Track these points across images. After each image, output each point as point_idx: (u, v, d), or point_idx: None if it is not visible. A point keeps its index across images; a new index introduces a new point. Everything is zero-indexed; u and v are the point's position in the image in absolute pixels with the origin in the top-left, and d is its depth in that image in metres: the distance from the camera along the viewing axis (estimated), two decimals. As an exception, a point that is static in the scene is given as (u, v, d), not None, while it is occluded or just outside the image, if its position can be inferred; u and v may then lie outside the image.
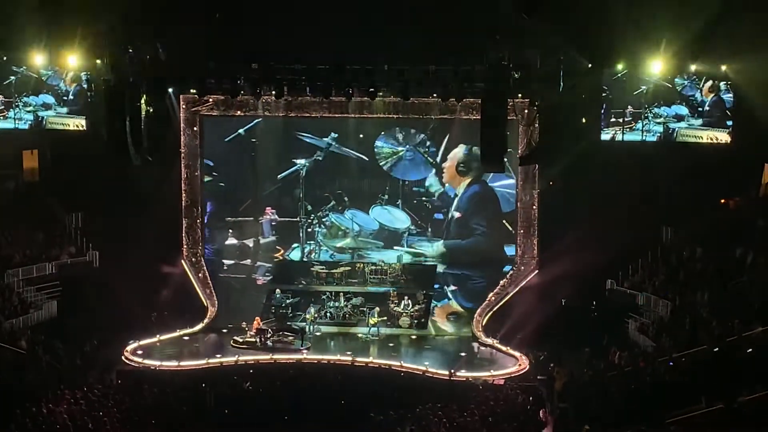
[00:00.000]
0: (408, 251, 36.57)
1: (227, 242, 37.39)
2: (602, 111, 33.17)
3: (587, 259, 32.05)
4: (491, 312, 34.34)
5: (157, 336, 32.50)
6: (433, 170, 36.41)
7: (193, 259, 36.35)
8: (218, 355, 30.90)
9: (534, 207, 34.80)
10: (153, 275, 34.56)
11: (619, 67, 32.19)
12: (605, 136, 33.19)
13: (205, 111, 35.71)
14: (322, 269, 35.98)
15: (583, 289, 33.45)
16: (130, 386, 28.35)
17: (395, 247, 36.69)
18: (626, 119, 33.06)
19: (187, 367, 29.96)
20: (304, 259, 36.99)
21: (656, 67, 31.76)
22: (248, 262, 37.44)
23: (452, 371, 29.45)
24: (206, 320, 34.74)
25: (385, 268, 35.78)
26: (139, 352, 31.04)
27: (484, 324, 34.01)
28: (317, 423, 25.69)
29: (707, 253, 31.17)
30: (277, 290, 35.05)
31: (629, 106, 33.04)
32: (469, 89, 30.36)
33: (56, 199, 35.88)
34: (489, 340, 33.01)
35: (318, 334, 33.56)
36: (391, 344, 33.08)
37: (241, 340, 32.15)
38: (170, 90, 33.68)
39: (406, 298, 34.46)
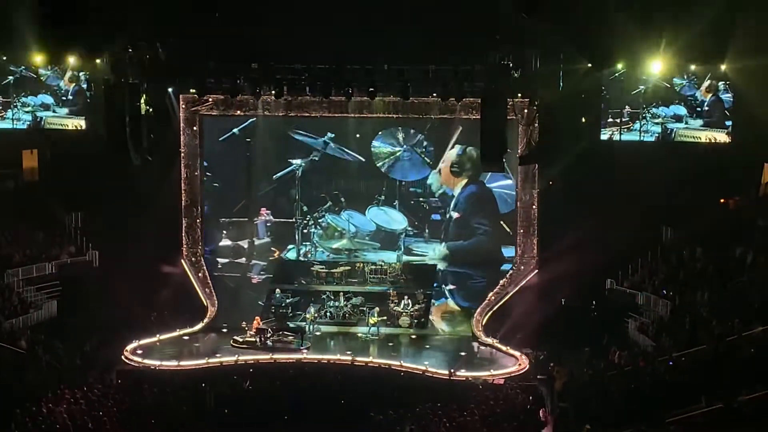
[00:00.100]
0: (406, 256, 36.48)
1: (221, 243, 37.27)
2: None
3: (587, 258, 32.06)
4: (491, 311, 34.35)
5: (157, 336, 32.50)
6: (432, 170, 36.34)
7: (193, 259, 36.36)
8: (218, 355, 30.93)
9: (534, 207, 34.83)
10: (153, 275, 34.56)
11: (618, 66, 32.15)
12: (602, 136, 33.17)
13: (204, 111, 35.69)
14: (322, 269, 35.95)
15: (582, 289, 33.43)
16: (130, 386, 28.38)
17: (393, 251, 36.61)
18: (624, 119, 32.97)
19: (186, 366, 29.96)
20: (302, 259, 36.97)
21: (655, 66, 31.70)
22: (243, 260, 37.34)
23: (452, 371, 29.46)
24: (206, 320, 34.73)
25: (385, 268, 35.75)
26: (139, 351, 31.05)
27: (484, 323, 34.02)
28: (317, 423, 25.70)
29: (707, 253, 31.17)
30: (277, 290, 35.04)
31: (627, 106, 32.94)
32: (469, 89, 30.37)
33: (56, 199, 35.83)
34: (489, 340, 33.03)
35: (318, 333, 33.56)
36: (390, 344, 33.08)
37: (240, 340, 32.14)
38: (170, 90, 33.75)
39: (406, 297, 34.44)
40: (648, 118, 32.84)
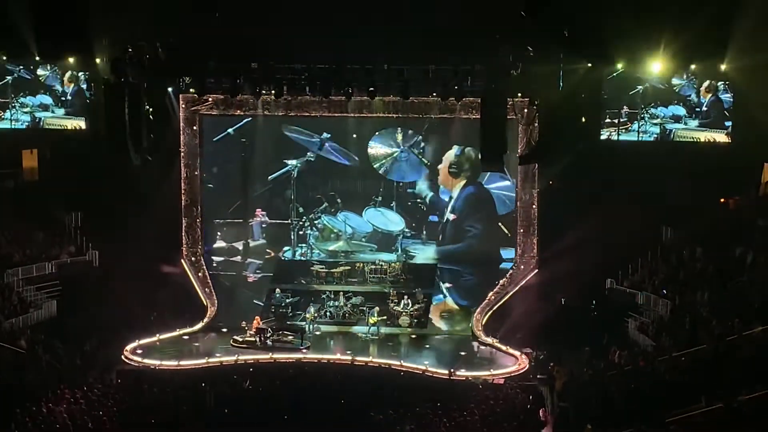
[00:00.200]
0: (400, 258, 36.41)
1: (216, 245, 37.13)
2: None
3: (587, 258, 32.10)
4: (491, 311, 34.35)
5: (157, 335, 32.49)
6: (425, 174, 36.18)
7: (193, 259, 36.37)
8: (218, 354, 30.94)
9: (534, 206, 34.84)
10: (153, 275, 34.55)
11: (618, 66, 32.14)
12: (601, 137, 33.14)
13: (204, 110, 35.70)
14: (322, 268, 35.93)
15: (582, 289, 33.47)
16: (130, 386, 28.37)
17: (390, 252, 36.53)
18: (622, 120, 32.93)
19: (186, 366, 29.97)
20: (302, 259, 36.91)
21: (655, 66, 31.68)
22: (238, 259, 37.25)
23: (452, 370, 29.46)
24: (206, 319, 34.73)
25: (385, 268, 35.72)
26: (139, 351, 31.05)
27: (483, 323, 34.02)
28: (317, 422, 25.65)
29: (707, 253, 31.18)
30: (277, 289, 35.04)
31: (625, 107, 32.94)
32: (468, 89, 30.37)
33: (56, 199, 35.82)
34: (489, 340, 33.03)
35: (318, 333, 33.56)
36: (390, 343, 33.09)
37: (240, 340, 32.14)
38: (170, 89, 33.75)
39: (405, 297, 34.44)
40: (646, 119, 32.82)
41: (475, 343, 33.21)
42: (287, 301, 34.62)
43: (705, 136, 32.51)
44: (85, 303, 32.86)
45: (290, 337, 32.21)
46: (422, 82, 30.77)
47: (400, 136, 36.16)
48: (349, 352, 31.23)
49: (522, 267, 35.05)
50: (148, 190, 34.27)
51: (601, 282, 33.81)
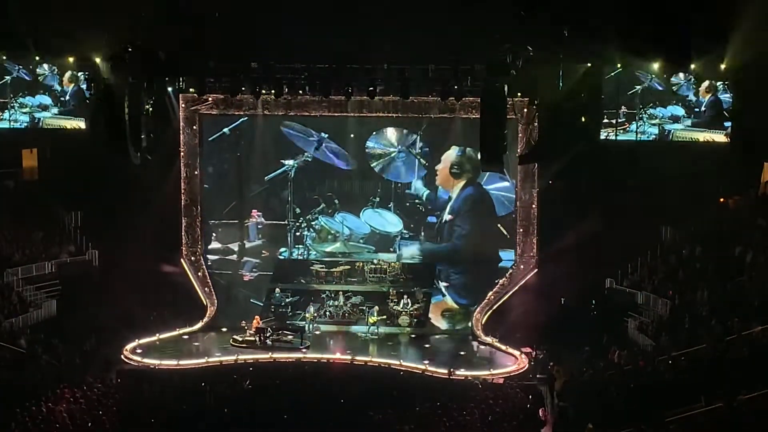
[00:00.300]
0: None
1: (211, 246, 36.95)
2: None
3: (587, 258, 32.08)
4: (491, 311, 34.36)
5: (157, 335, 32.50)
6: (420, 174, 36.00)
7: (193, 258, 36.34)
8: (217, 354, 30.94)
9: (533, 206, 34.81)
10: (153, 274, 34.54)
11: (618, 65, 32.07)
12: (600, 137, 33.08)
13: (204, 110, 35.67)
14: (322, 268, 35.92)
15: (582, 289, 33.45)
16: (130, 385, 28.42)
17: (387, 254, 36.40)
18: (620, 120, 32.79)
19: (186, 366, 29.99)
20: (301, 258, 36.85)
21: (654, 66, 31.59)
22: (234, 257, 37.08)
23: (451, 370, 29.47)
24: (206, 319, 34.73)
25: (385, 267, 35.72)
26: (139, 351, 31.08)
27: (483, 323, 34.03)
28: (317, 422, 25.66)
29: (707, 252, 31.18)
30: (277, 289, 35.06)
31: (623, 107, 32.77)
32: (468, 88, 30.35)
33: (56, 199, 35.82)
34: (488, 339, 33.04)
35: (317, 333, 33.58)
36: (390, 343, 33.11)
37: (240, 339, 32.15)
38: (170, 89, 33.72)
39: (405, 296, 34.47)
40: (645, 119, 32.68)
41: (475, 343, 33.25)
42: (287, 300, 34.64)
43: (704, 136, 32.41)
44: (85, 303, 32.89)
45: (290, 337, 32.24)
46: (422, 82, 30.74)
47: (396, 136, 35.98)
48: (348, 351, 31.26)
49: (522, 267, 35.04)
50: (148, 190, 34.23)
51: (601, 282, 33.82)
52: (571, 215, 32.95)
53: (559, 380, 28.46)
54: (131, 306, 32.72)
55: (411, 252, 36.33)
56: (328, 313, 34.48)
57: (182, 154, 35.81)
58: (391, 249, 36.39)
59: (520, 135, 33.54)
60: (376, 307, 33.86)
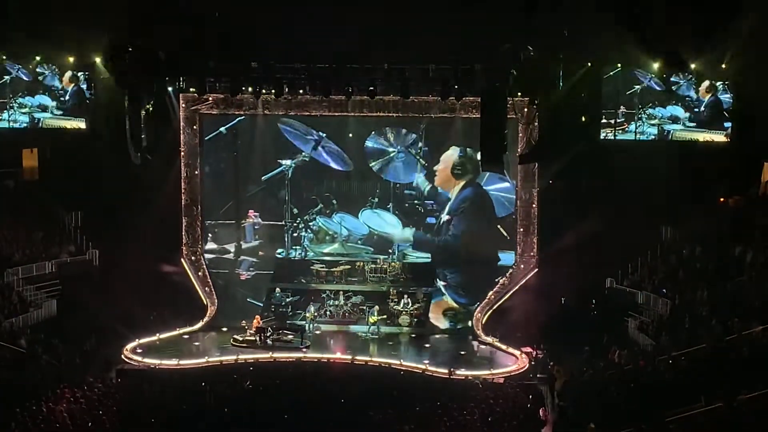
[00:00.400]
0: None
1: (207, 246, 36.81)
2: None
3: (587, 258, 32.08)
4: (491, 310, 34.36)
5: (157, 335, 32.51)
6: (422, 173, 35.89)
7: (193, 258, 36.32)
8: (218, 354, 30.95)
9: (534, 206, 34.80)
10: (153, 274, 34.54)
11: (618, 65, 32.05)
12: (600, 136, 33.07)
13: (204, 109, 35.62)
14: (322, 268, 35.91)
15: (582, 288, 33.46)
16: (130, 385, 28.40)
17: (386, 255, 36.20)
18: (618, 120, 32.70)
19: (186, 365, 30.01)
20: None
21: (653, 65, 31.53)
22: (230, 256, 37.00)
23: (451, 370, 29.47)
24: (206, 319, 34.74)
25: (385, 267, 35.72)
26: (139, 350, 31.09)
27: (483, 322, 34.04)
28: (317, 422, 25.64)
29: (707, 252, 31.18)
30: (277, 289, 35.06)
31: (622, 107, 32.68)
32: (468, 88, 30.35)
33: (56, 199, 35.81)
34: (489, 339, 33.05)
35: (318, 332, 33.59)
36: (390, 343, 33.12)
37: (240, 339, 32.16)
38: (170, 89, 33.74)
39: (405, 296, 34.49)
40: (644, 119, 32.60)
41: (475, 343, 33.28)
42: (287, 300, 34.64)
43: (704, 137, 32.38)
44: (85, 303, 32.84)
45: (290, 337, 32.25)
46: (422, 81, 30.75)
47: (394, 136, 35.87)
48: (349, 351, 31.26)
49: (522, 267, 35.04)
50: (148, 190, 34.25)
51: (601, 281, 33.82)
52: (571, 215, 32.95)
53: (559, 380, 28.47)
54: (131, 306, 32.74)
55: (406, 233, 36.01)
56: (328, 312, 34.49)
57: (182, 154, 35.79)
58: (390, 250, 36.30)
59: (520, 135, 33.54)
60: (377, 307, 33.88)
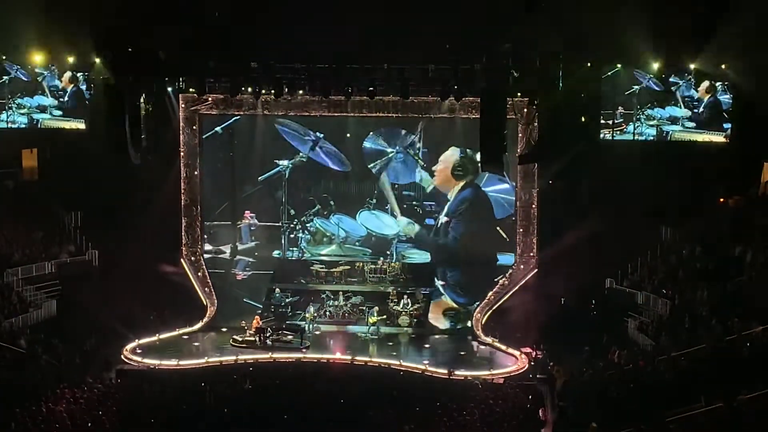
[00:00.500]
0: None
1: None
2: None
3: (587, 258, 32.06)
4: (490, 311, 34.36)
5: (157, 335, 32.50)
6: (423, 173, 35.84)
7: (192, 258, 36.31)
8: (217, 354, 30.95)
9: (533, 206, 34.79)
10: (153, 274, 34.52)
11: (618, 65, 32.01)
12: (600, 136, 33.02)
13: (204, 110, 35.61)
14: (322, 268, 35.90)
15: (582, 289, 33.45)
16: (130, 385, 28.40)
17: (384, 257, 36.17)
18: (617, 120, 32.59)
19: (186, 366, 30.01)
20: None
21: (653, 65, 31.47)
22: (227, 255, 36.91)
23: (451, 370, 29.46)
24: (206, 319, 34.73)
25: (385, 267, 35.71)
26: (139, 351, 31.08)
27: (483, 323, 34.03)
28: (317, 422, 25.65)
29: (706, 252, 31.17)
30: (277, 289, 35.04)
31: (620, 107, 32.52)
32: (468, 88, 30.34)
33: (56, 199, 35.80)
34: (488, 339, 33.05)
35: (317, 333, 33.57)
36: (390, 343, 33.11)
37: (240, 339, 32.15)
38: (170, 89, 33.73)
39: (405, 297, 34.48)
40: (642, 120, 32.47)
41: (475, 343, 33.26)
42: (287, 300, 34.63)
43: (703, 138, 32.31)
44: (85, 303, 32.84)
45: (290, 337, 32.24)
46: (422, 81, 30.74)
47: (393, 136, 35.75)
48: (348, 351, 31.26)
49: (522, 267, 35.03)
50: (148, 190, 34.25)
51: (601, 282, 33.81)
52: (570, 215, 32.95)
53: (559, 380, 28.49)
54: (131, 306, 32.75)
55: (411, 228, 35.89)
56: (328, 313, 34.48)
57: (182, 154, 35.79)
58: (388, 252, 36.25)
59: (520, 135, 33.50)
60: (376, 307, 33.87)
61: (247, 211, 36.78)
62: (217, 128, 35.92)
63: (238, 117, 35.68)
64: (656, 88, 32.34)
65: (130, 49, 29.12)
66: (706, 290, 29.03)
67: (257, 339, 32.00)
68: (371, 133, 35.86)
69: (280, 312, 34.29)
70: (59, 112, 34.78)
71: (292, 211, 36.45)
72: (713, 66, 31.59)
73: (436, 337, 34.22)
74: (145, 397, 27.23)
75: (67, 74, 34.38)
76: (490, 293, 34.74)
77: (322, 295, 34.94)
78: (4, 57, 34.49)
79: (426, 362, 30.29)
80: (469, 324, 34.36)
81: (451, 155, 35.54)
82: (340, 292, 34.86)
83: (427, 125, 35.20)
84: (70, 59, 33.70)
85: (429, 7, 30.07)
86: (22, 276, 33.22)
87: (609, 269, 33.60)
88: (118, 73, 28.53)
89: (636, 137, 32.53)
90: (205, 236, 36.74)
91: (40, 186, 36.29)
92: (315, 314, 33.89)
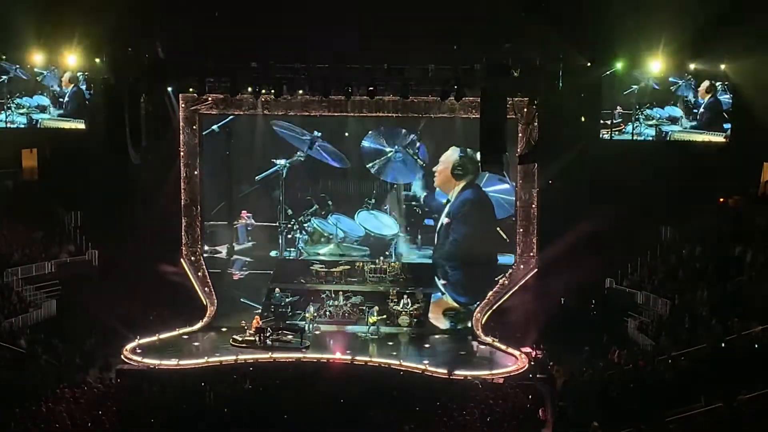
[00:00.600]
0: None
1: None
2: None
3: (587, 258, 32.04)
4: (490, 310, 34.36)
5: (157, 335, 32.49)
6: (420, 175, 35.76)
7: (192, 258, 36.30)
8: (217, 354, 30.95)
9: (533, 206, 34.79)
10: (153, 274, 34.51)
11: (618, 65, 31.95)
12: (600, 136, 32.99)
13: (204, 110, 35.58)
14: (322, 268, 35.89)
15: (582, 288, 33.44)
16: (130, 385, 28.39)
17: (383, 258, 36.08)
18: (615, 120, 32.49)
19: (186, 366, 29.99)
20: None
21: (654, 65, 31.38)
22: (223, 255, 36.85)
23: (451, 370, 29.45)
24: (205, 319, 34.73)
25: (385, 267, 35.69)
26: (139, 351, 31.06)
27: (483, 322, 34.03)
28: (317, 422, 25.66)
29: (706, 252, 31.18)
30: (277, 289, 35.03)
31: (618, 107, 32.34)
32: (468, 88, 30.36)
33: (55, 199, 35.80)
34: (488, 339, 33.05)
35: (317, 332, 33.56)
36: (390, 343, 33.10)
37: (240, 339, 32.14)
38: (169, 89, 33.73)
39: (405, 296, 34.48)
40: (641, 120, 32.36)
41: (475, 343, 33.26)
42: (287, 300, 34.62)
43: (702, 138, 32.24)
44: (85, 303, 32.83)
45: (290, 337, 32.24)
46: (422, 82, 30.74)
47: (393, 136, 35.68)
48: (348, 351, 31.23)
49: (522, 267, 35.03)
50: (148, 190, 34.24)
51: (601, 281, 33.81)
52: (570, 215, 32.92)
53: (559, 380, 28.48)
54: (131, 306, 32.75)
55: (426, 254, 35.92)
56: (328, 313, 34.48)
57: (182, 154, 35.77)
58: (387, 252, 36.22)
59: (520, 135, 33.52)
60: (376, 307, 33.86)
61: (243, 211, 36.72)
62: (214, 126, 35.81)
63: (235, 116, 35.53)
64: (656, 87, 32.25)
65: (130, 49, 29.13)
66: (706, 290, 29.03)
67: (257, 339, 31.99)
68: (370, 131, 35.77)
69: (280, 312, 34.29)
70: (59, 113, 34.63)
71: (290, 211, 36.35)
72: (713, 66, 31.56)
73: (436, 336, 34.22)
74: (145, 397, 27.24)
75: (67, 74, 34.29)
76: (490, 293, 34.76)
77: (322, 294, 34.94)
78: (3, 56, 34.43)
79: (426, 362, 30.26)
80: (469, 324, 34.36)
81: (451, 155, 35.49)
82: (340, 292, 34.86)
83: (427, 125, 35.13)
84: (70, 59, 33.65)
85: (429, 7, 30.06)
86: (21, 276, 33.20)
87: (609, 269, 33.62)
88: (118, 73, 28.54)
89: (635, 137, 32.40)
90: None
91: (40, 186, 36.28)
92: (315, 314, 33.88)
